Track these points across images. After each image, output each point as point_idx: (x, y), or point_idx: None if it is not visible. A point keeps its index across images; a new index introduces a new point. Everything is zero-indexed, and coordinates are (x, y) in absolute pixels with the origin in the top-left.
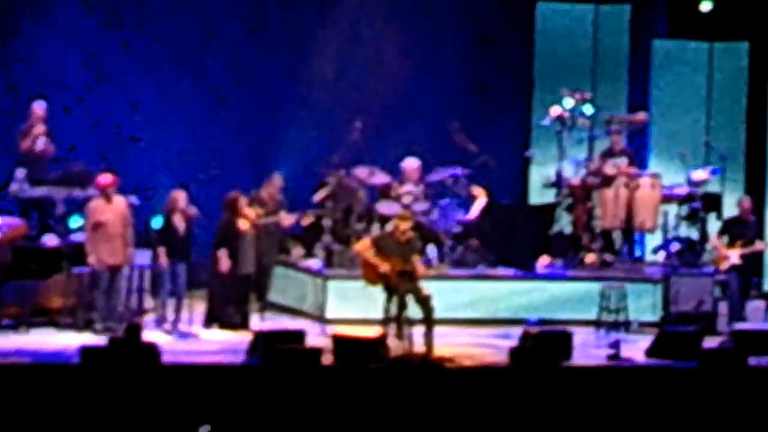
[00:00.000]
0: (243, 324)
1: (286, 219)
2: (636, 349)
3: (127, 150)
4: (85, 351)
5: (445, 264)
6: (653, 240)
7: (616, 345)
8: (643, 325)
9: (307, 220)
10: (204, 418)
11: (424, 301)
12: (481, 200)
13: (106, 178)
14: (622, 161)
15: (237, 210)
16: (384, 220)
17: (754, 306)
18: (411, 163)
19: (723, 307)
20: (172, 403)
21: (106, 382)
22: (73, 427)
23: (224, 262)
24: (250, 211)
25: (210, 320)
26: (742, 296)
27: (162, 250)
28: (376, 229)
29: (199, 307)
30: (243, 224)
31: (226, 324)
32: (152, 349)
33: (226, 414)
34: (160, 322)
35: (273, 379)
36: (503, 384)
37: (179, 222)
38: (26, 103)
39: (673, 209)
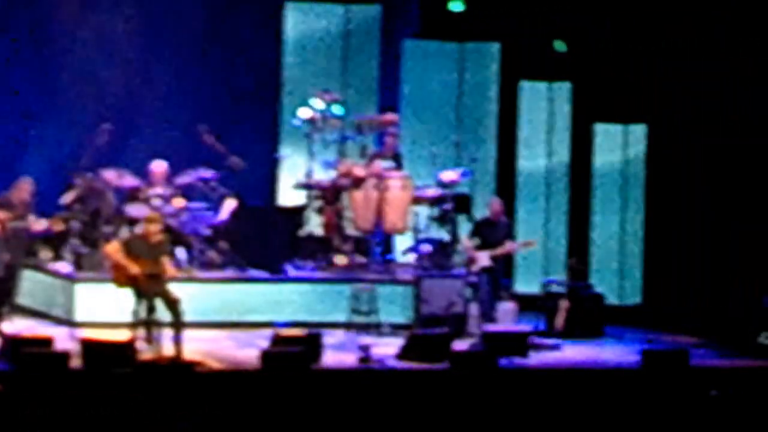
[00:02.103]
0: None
1: (37, 224)
2: (387, 351)
3: None
4: None
5: (194, 266)
6: (404, 241)
7: (366, 347)
8: (395, 327)
9: (58, 226)
10: None
11: (173, 305)
12: (230, 202)
13: None
14: (390, 164)
15: None
16: (133, 222)
17: (505, 307)
18: (158, 166)
19: (474, 309)
20: None
21: None
22: None
23: None
24: None
25: None
26: (492, 298)
27: None
28: (125, 232)
29: None
30: None
31: None
32: None
33: None
34: None
35: (20, 384)
36: (254, 387)
37: None
38: None
39: (424, 210)
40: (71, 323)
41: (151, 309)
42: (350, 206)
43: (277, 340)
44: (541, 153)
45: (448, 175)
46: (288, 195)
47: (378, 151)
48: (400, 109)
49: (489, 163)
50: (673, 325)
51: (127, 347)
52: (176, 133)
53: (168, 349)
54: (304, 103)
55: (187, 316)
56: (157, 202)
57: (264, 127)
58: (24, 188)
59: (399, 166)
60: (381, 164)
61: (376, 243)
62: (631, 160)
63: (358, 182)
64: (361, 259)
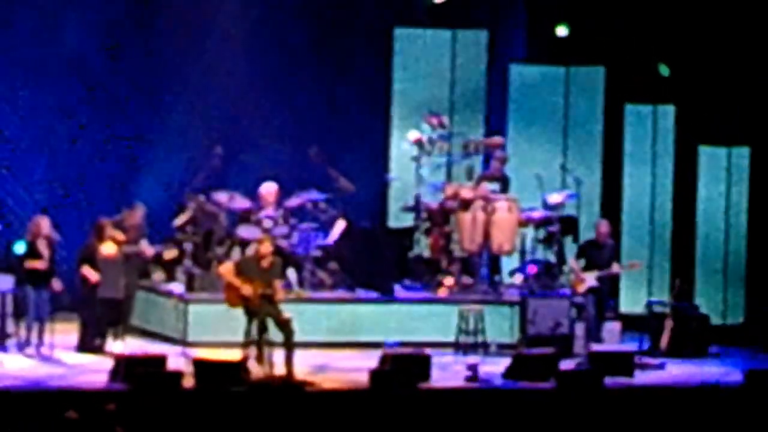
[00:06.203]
0: (105, 348)
1: (149, 250)
2: (494, 370)
3: None
4: None
5: (304, 287)
6: (511, 263)
7: (473, 367)
8: (501, 347)
9: (169, 254)
10: None
11: (284, 324)
12: (340, 224)
13: None
14: (496, 187)
15: (102, 236)
16: (244, 244)
17: (610, 327)
18: (269, 188)
19: (579, 329)
20: (32, 426)
21: None
22: None
23: (92, 275)
24: (115, 237)
25: (83, 344)
26: (598, 318)
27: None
28: (236, 253)
29: (61, 332)
30: (106, 249)
31: (90, 348)
32: None
33: None
34: (22, 346)
35: (134, 403)
36: (363, 406)
37: (43, 247)
38: None
39: (530, 232)
40: (184, 343)
41: (262, 329)
42: (457, 228)
43: (386, 359)
44: (645, 175)
45: (555, 197)
46: (397, 217)
47: (485, 173)
48: (506, 132)
49: (594, 185)
50: None
51: (239, 367)
52: (286, 156)
53: (279, 368)
54: (413, 126)
55: (298, 336)
56: (267, 223)
57: (373, 149)
58: (137, 213)
59: (505, 188)
60: (487, 186)
61: (483, 264)
62: (734, 182)
63: (465, 204)
64: (468, 280)
